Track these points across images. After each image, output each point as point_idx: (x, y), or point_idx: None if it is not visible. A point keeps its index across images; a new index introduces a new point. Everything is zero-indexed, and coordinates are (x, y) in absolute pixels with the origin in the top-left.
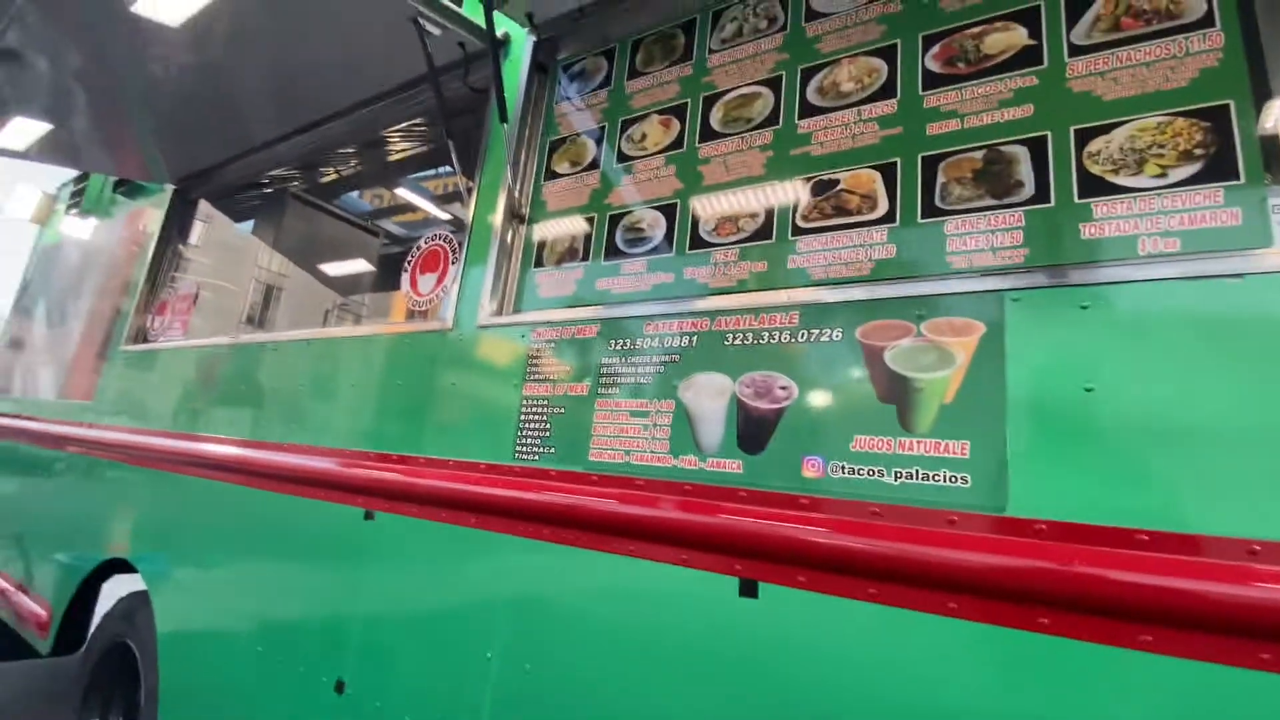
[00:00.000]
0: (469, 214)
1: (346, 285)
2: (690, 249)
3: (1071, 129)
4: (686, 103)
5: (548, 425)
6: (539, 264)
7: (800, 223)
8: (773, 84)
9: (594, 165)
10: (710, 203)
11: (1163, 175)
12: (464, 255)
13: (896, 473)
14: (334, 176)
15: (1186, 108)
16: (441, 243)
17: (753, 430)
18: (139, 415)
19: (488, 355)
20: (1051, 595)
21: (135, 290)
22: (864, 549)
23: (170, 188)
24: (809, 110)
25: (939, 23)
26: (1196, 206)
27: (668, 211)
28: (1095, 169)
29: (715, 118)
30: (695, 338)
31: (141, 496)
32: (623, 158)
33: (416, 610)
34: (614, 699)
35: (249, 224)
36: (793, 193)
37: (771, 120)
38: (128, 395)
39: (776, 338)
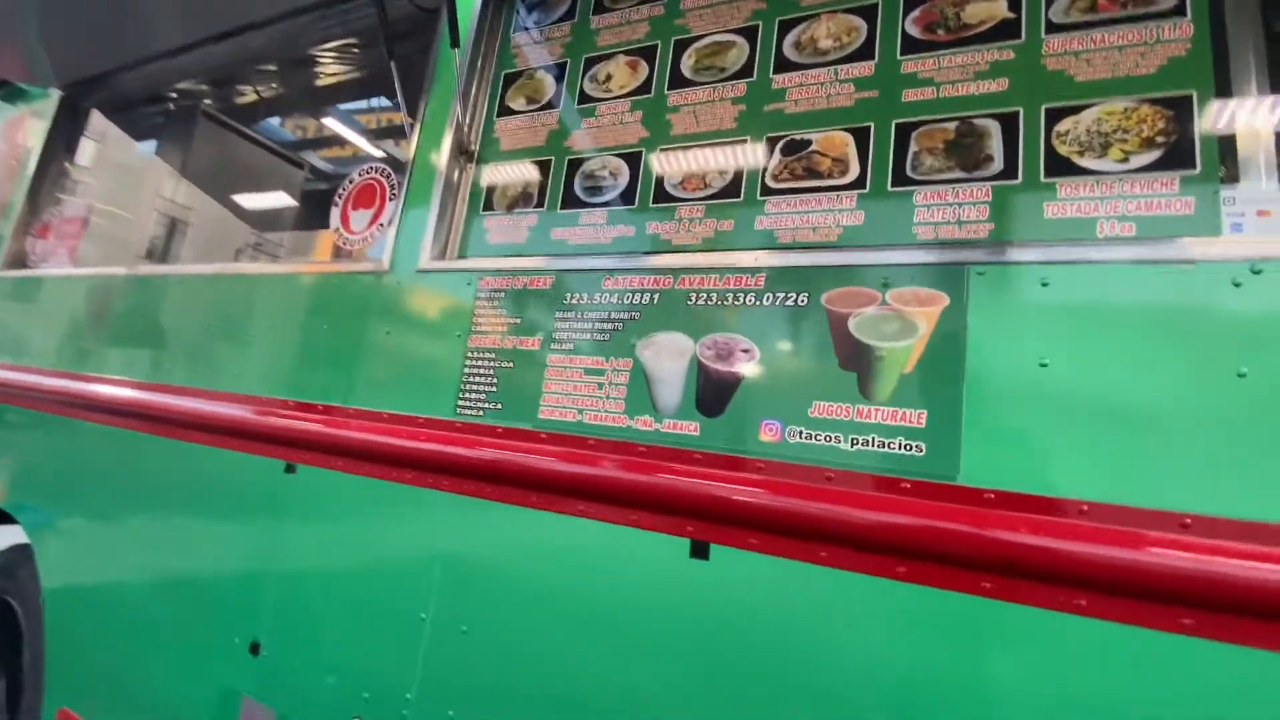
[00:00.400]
0: (411, 147)
1: (265, 221)
2: (654, 202)
3: (1043, 107)
4: (656, 45)
5: (494, 380)
6: (488, 208)
7: (770, 182)
8: (749, 34)
9: (552, 105)
10: (677, 155)
11: (1125, 160)
12: (404, 192)
13: (853, 439)
14: (253, 97)
15: (1153, 95)
16: (379, 177)
17: (712, 393)
18: (15, 350)
19: (428, 302)
20: (994, 561)
21: (12, 210)
22: (815, 512)
23: (56, 93)
24: (785, 65)
25: None
26: (1154, 193)
27: (631, 161)
28: (1063, 149)
29: (686, 64)
30: (657, 295)
31: (20, 441)
32: (584, 99)
33: (342, 568)
34: (557, 662)
35: (152, 144)
36: (764, 151)
37: (745, 72)
38: (2, 327)
39: (741, 299)
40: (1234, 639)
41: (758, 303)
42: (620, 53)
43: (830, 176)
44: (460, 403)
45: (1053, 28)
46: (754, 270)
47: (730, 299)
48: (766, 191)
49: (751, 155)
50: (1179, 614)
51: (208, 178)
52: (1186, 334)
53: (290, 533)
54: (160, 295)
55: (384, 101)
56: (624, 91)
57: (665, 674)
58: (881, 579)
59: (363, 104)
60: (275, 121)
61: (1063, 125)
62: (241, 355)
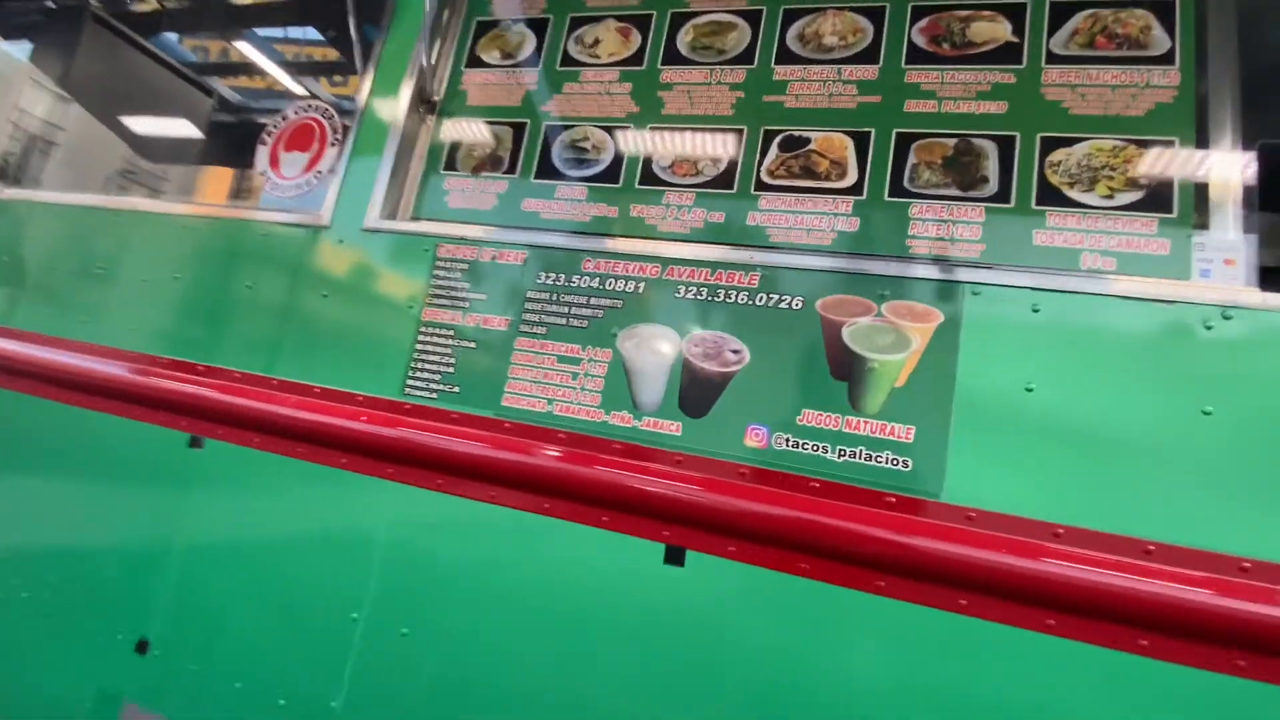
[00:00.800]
0: (363, 90)
1: (160, 151)
2: (641, 183)
3: (1039, 136)
4: (651, 15)
5: (451, 360)
6: (450, 167)
7: (765, 177)
8: (751, 18)
9: (532, 62)
10: (669, 135)
11: (1110, 197)
12: (352, 139)
13: (841, 450)
14: (153, 6)
15: (1140, 137)
16: (319, 117)
17: (697, 392)
18: None
19: (376, 266)
20: (973, 580)
21: None
22: (801, 521)
23: None
24: (787, 56)
25: None
26: (1134, 232)
27: (618, 135)
28: (1054, 179)
29: (683, 40)
30: (643, 284)
31: None
32: (569, 61)
33: (259, 561)
34: (511, 672)
35: (25, 45)
36: (760, 143)
37: (745, 58)
38: None
39: (734, 297)
40: (1185, 661)
41: (750, 302)
42: (611, 17)
43: (828, 178)
44: (410, 382)
45: (1053, 58)
46: (748, 268)
47: (722, 295)
48: (761, 186)
49: (747, 146)
50: (1137, 635)
51: (91, 92)
52: (1161, 370)
53: (194, 516)
54: (22, 226)
55: (314, 34)
56: (613, 60)
57: (630, 686)
58: (861, 593)
59: (289, 32)
60: (174, 39)
61: (1056, 155)
62: (140, 308)
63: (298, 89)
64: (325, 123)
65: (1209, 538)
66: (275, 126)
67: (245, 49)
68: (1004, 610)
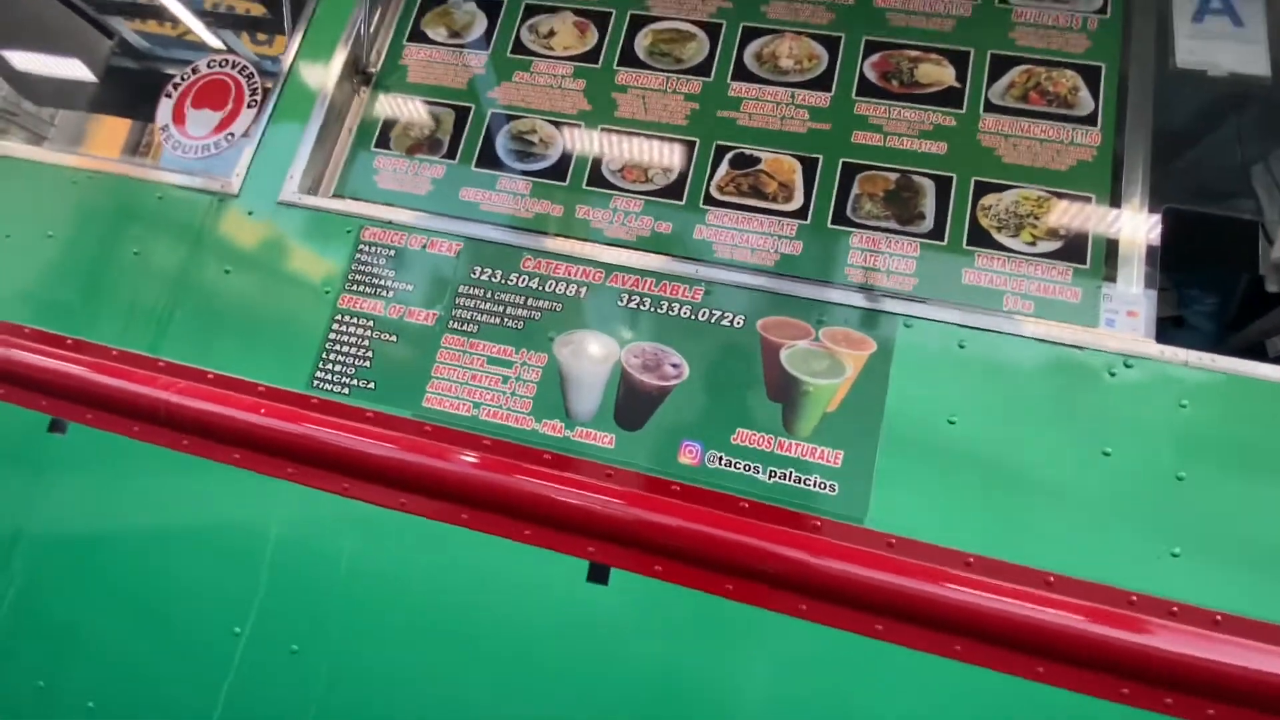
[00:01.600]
0: (290, 50)
1: (48, 92)
2: (589, 184)
3: (973, 179)
4: (611, 14)
5: (368, 353)
6: (382, 145)
7: (715, 192)
8: (711, 30)
9: (480, 45)
10: (620, 139)
11: (1033, 244)
12: (272, 103)
13: (771, 471)
14: None
15: (1061, 190)
16: (235, 74)
17: (634, 404)
18: None
19: (290, 243)
20: (890, 606)
21: None
22: (729, 542)
23: None
24: (744, 74)
25: (883, 32)
26: (1051, 279)
27: (568, 132)
28: (984, 221)
29: (641, 43)
30: (585, 288)
31: None
32: (520, 49)
33: (122, 562)
34: (415, 693)
35: None
36: (712, 158)
37: (703, 70)
38: None
39: (677, 310)
40: (1076, 688)
41: (693, 316)
42: (569, 9)
43: (774, 200)
44: (319, 374)
45: (990, 106)
46: (692, 281)
47: (665, 307)
48: (710, 201)
49: (699, 159)
50: (1034, 663)
51: None
52: (1069, 410)
53: (46, 508)
54: None
55: None
56: (568, 54)
57: (545, 709)
58: (785, 616)
59: None
60: None
61: (987, 199)
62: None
63: (215, 42)
64: (243, 80)
65: (1102, 571)
66: (184, 79)
67: None
68: (917, 636)
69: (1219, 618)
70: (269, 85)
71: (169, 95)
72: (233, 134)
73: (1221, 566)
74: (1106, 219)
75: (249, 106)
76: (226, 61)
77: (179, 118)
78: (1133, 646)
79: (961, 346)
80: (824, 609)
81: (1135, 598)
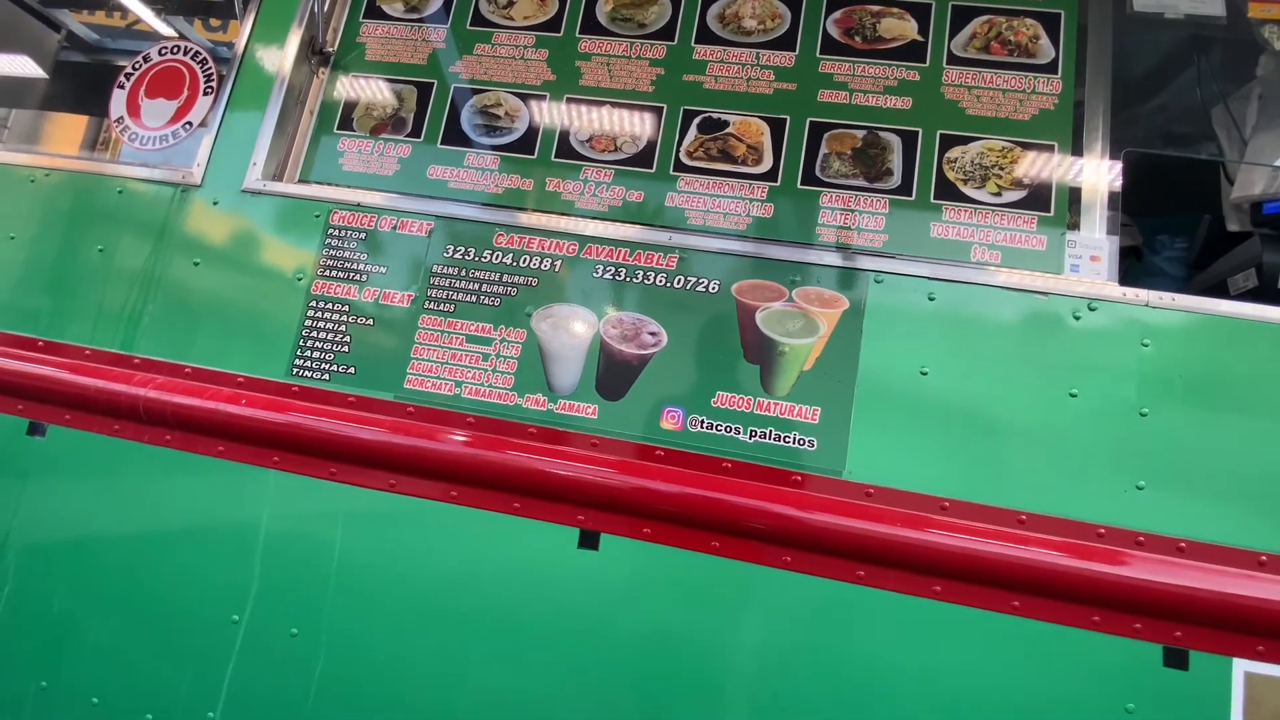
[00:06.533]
0: (243, 33)
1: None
2: (557, 156)
3: (939, 132)
4: None
5: (346, 338)
6: (345, 127)
7: (684, 158)
8: None
9: (439, 18)
10: (587, 108)
11: (998, 194)
12: (229, 89)
13: (752, 431)
14: None
15: (1025, 139)
16: (188, 61)
17: (614, 374)
18: None
19: (258, 232)
20: (871, 553)
21: None
22: (713, 501)
23: None
24: (707, 36)
25: None
26: (1016, 228)
27: (533, 104)
28: (950, 175)
29: (602, 10)
30: (559, 262)
31: None
32: (480, 20)
33: (117, 559)
34: (414, 669)
35: None
36: (680, 123)
37: (666, 34)
38: None
39: (652, 279)
40: (1049, 619)
41: (669, 284)
42: None
43: (744, 163)
44: (297, 362)
45: (953, 59)
46: (666, 249)
47: (640, 276)
48: (680, 167)
49: (667, 125)
50: (1010, 597)
51: None
52: (1036, 356)
53: (35, 511)
54: None
55: None
56: (529, 24)
57: (542, 676)
58: (771, 569)
59: None
60: None
61: (953, 152)
62: None
63: (167, 30)
64: (196, 67)
65: (1071, 507)
66: (135, 68)
67: None
68: (897, 579)
69: (1183, 545)
70: (224, 71)
71: (121, 86)
72: (190, 123)
73: (1184, 497)
74: (1069, 166)
75: (205, 94)
76: (178, 48)
77: (133, 109)
78: (1102, 577)
79: (931, 299)
80: (808, 559)
81: (1103, 530)
